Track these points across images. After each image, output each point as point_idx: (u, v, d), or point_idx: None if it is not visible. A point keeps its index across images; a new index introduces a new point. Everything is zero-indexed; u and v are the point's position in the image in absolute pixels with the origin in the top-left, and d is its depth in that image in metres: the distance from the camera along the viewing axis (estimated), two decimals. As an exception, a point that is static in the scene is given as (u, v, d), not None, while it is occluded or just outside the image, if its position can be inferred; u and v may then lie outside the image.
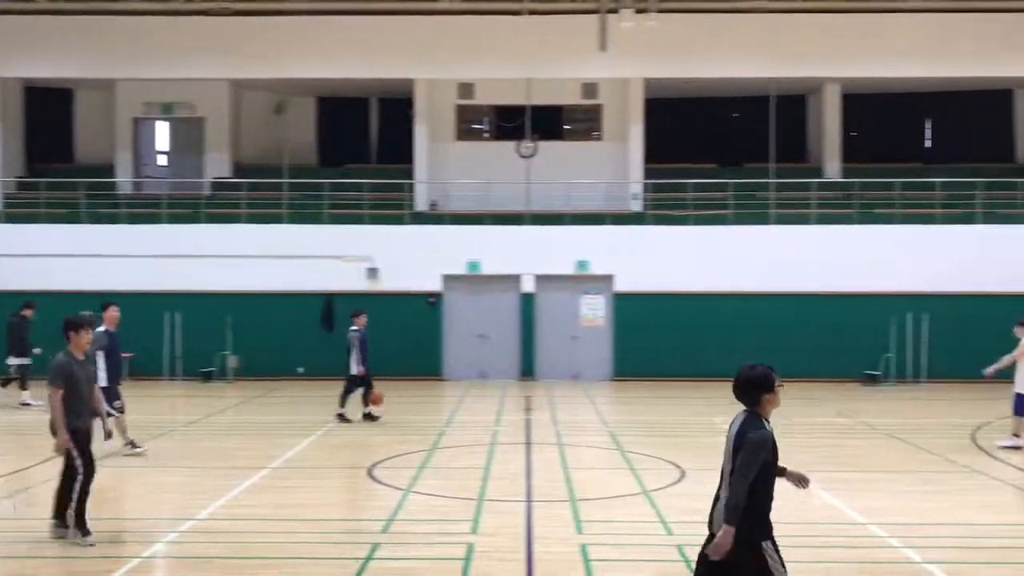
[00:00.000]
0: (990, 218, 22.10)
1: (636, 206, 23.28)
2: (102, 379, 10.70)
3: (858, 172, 23.64)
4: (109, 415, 10.69)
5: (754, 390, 5.48)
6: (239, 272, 21.40)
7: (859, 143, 24.73)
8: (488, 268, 22.03)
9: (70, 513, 7.78)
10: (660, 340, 21.44)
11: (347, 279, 21.52)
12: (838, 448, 13.22)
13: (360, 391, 15.19)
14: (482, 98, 24.88)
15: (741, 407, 5.49)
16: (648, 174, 23.46)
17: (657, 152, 24.02)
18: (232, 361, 21.30)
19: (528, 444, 13.26)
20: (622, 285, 21.88)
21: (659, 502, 9.62)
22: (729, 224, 22.19)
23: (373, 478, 10.92)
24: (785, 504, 9.54)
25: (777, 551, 5.24)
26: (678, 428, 14.92)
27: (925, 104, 25.08)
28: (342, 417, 15.05)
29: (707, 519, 5.42)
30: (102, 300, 12.68)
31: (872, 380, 21.12)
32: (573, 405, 17.80)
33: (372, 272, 21.76)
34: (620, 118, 24.06)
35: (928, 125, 25.57)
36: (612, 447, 13.13)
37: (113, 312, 11.98)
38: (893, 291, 21.41)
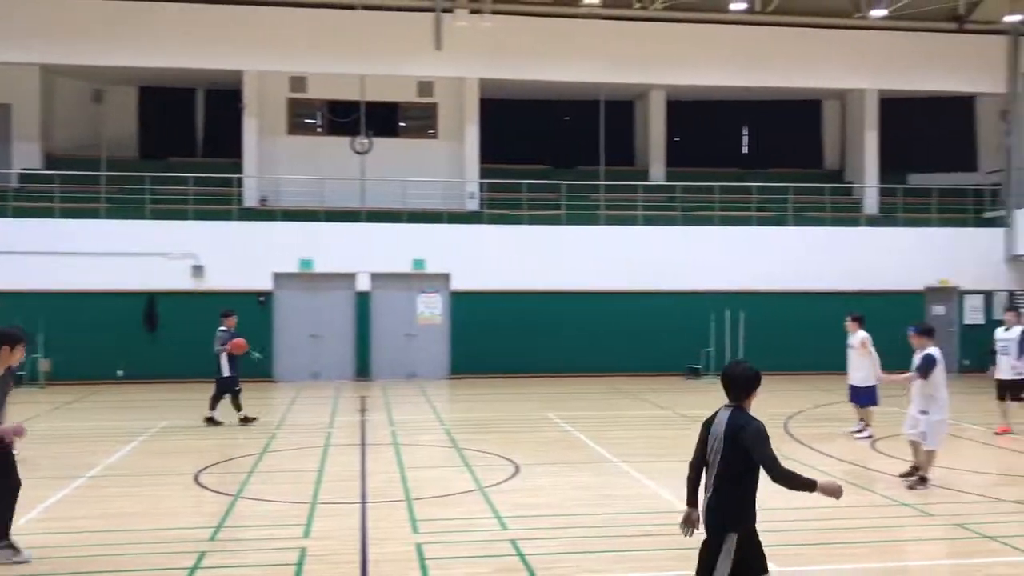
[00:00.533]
0: (800, 220, 23.64)
1: (472, 205, 23.46)
2: None
3: (681, 176, 24.74)
4: None
5: (747, 386, 5.65)
6: (51, 269, 20.11)
7: (682, 148, 25.85)
8: (321, 266, 21.62)
9: None
10: (496, 338, 21.71)
11: (170, 277, 20.64)
12: (660, 438, 13.77)
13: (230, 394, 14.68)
14: (315, 92, 24.39)
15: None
16: (484, 174, 23.69)
17: (493, 152, 24.28)
18: (44, 365, 19.98)
19: (363, 445, 13.11)
20: (458, 283, 22.00)
21: (494, 498, 9.73)
22: (562, 224, 22.75)
23: (200, 484, 10.51)
24: (613, 495, 9.93)
25: (744, 547, 5.39)
26: (513, 424, 15.14)
27: (743, 112, 26.51)
28: (212, 420, 14.53)
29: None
30: None
31: (694, 373, 22.16)
32: (409, 404, 17.74)
33: (197, 270, 20.93)
34: (456, 117, 24.18)
35: (745, 132, 27.03)
36: (448, 445, 13.18)
37: None
38: (713, 289, 22.56)
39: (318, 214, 22.03)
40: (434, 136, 24.71)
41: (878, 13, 21.96)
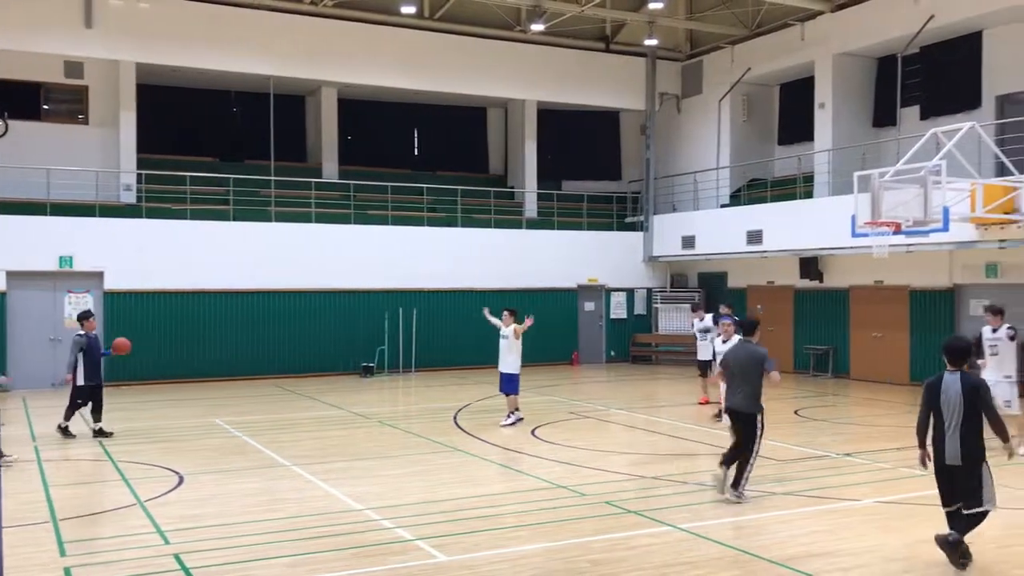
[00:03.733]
0: (468, 222, 24.64)
1: (129, 198, 21.76)
2: None
3: (354, 174, 24.76)
4: None
5: (965, 355, 7.45)
6: None
7: (355, 147, 25.89)
8: (-54, 263, 19.00)
9: None
10: (158, 341, 20.38)
11: None
12: (332, 439, 13.70)
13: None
14: (-63, 65, 21.38)
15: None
16: (142, 164, 22.11)
17: (153, 142, 22.75)
18: None
19: (-2, 463, 11.68)
20: (114, 282, 20.33)
21: (155, 511, 9.11)
22: (230, 220, 21.83)
23: None
24: (285, 499, 9.70)
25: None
26: (176, 432, 14.28)
27: (414, 114, 27.05)
28: (65, 431, 13.35)
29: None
30: None
31: (368, 372, 22.30)
32: (56, 415, 16.06)
33: None
34: (110, 103, 22.29)
35: (416, 134, 27.62)
36: (102, 458, 12.13)
37: None
38: (386, 287, 22.87)
39: (-59, 204, 19.33)
40: (84, 122, 22.60)
41: (537, 28, 23.45)
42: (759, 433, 9.53)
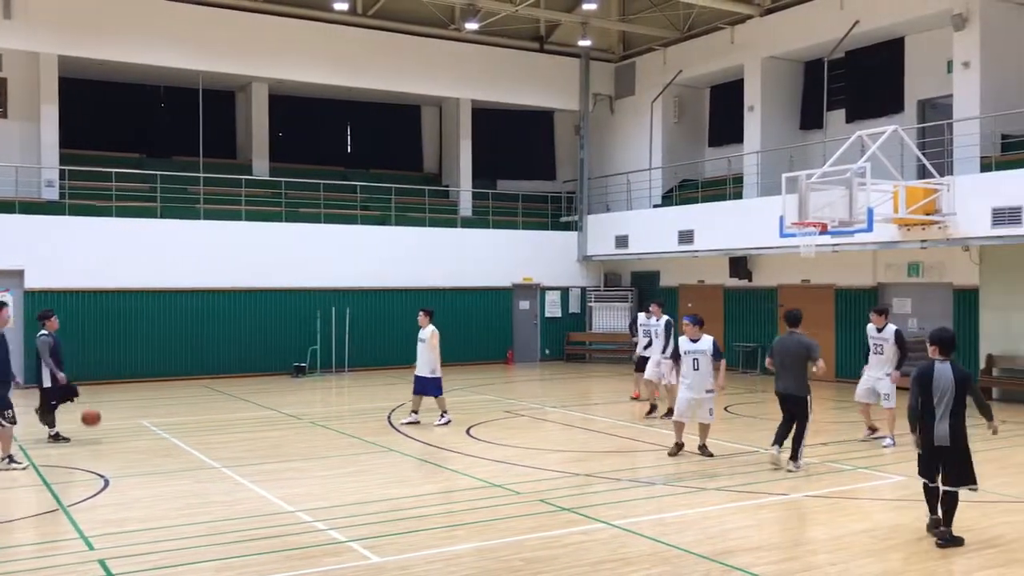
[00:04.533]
0: (402, 220, 24.50)
1: (51, 194, 21.11)
2: None
3: (286, 172, 24.42)
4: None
5: (954, 345, 8.01)
6: None
7: (287, 144, 25.53)
8: None
9: None
10: (83, 341, 19.78)
11: None
12: (263, 440, 13.48)
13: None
14: None
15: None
16: (65, 160, 21.46)
17: (76, 137, 22.11)
18: None
19: (-89, 469, 11.24)
20: (34, 281, 19.70)
21: (78, 516, 8.86)
22: (157, 218, 21.35)
23: None
24: (214, 501, 9.52)
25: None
26: (102, 435, 13.89)
27: (347, 111, 26.79)
28: (58, 437, 12.91)
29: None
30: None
31: (300, 372, 22.02)
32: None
33: None
34: (30, 96, 21.57)
35: (349, 131, 27.37)
36: (23, 463, 11.74)
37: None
38: (319, 286, 22.61)
39: None
40: (3, 115, 21.85)
41: (471, 26, 23.41)
42: (810, 412, 10.92)
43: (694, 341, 11.76)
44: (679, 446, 11.94)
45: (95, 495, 9.82)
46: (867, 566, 7.29)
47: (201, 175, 22.34)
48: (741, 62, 23.35)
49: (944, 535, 7.75)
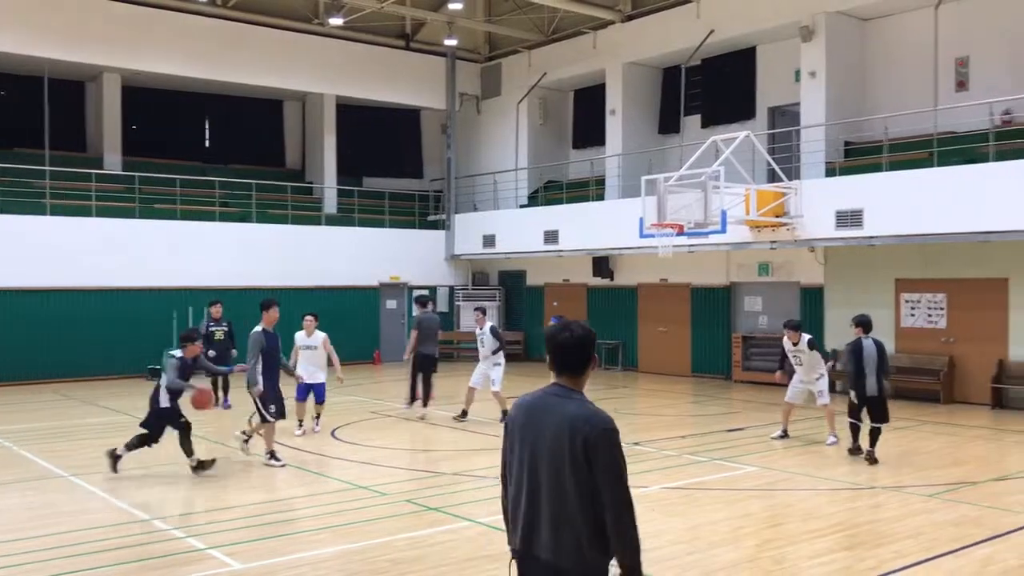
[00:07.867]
0: (264, 217, 23.89)
1: None
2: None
3: (140, 166, 23.42)
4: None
5: (871, 325, 11.58)
6: None
7: (141, 137, 24.48)
8: None
9: None
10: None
11: None
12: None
13: None
14: None
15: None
16: None
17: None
18: None
19: None
20: None
21: (-91, 534, 8.25)
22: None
23: None
24: (61, 512, 9.06)
25: None
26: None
27: (205, 105, 25.92)
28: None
29: None
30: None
31: (155, 374, 21.10)
32: None
33: None
34: None
35: (207, 125, 26.49)
36: None
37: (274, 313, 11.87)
38: (175, 285, 21.79)
39: None
40: None
41: (335, 22, 23.06)
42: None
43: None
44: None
45: (-71, 510, 9.18)
46: (723, 554, 7.62)
47: (47, 168, 21.15)
48: (603, 67, 23.92)
49: (871, 455, 11.14)
